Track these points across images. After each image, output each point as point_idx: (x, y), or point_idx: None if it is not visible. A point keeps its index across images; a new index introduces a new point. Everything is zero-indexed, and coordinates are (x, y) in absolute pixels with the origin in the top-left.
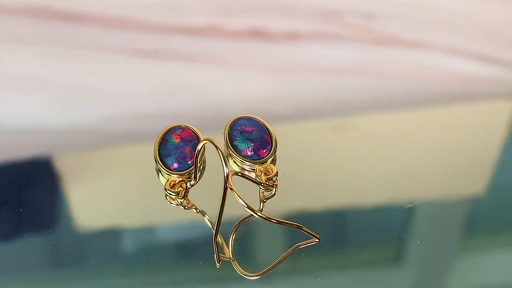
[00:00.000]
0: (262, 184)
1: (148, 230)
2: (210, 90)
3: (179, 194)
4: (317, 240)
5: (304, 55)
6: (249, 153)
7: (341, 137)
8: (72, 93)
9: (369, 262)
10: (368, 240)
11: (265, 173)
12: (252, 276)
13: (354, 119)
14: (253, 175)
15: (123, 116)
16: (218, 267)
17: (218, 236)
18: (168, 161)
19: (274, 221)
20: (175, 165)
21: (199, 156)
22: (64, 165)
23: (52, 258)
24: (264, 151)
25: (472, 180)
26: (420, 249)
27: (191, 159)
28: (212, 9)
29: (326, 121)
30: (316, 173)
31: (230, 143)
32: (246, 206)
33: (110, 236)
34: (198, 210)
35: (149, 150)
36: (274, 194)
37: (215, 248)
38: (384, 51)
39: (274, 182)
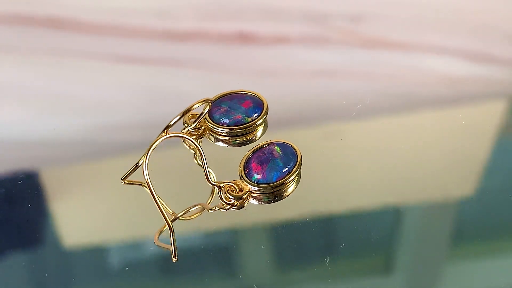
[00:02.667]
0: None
1: (136, 245)
2: (198, 95)
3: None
4: (173, 258)
5: (291, 59)
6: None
7: (329, 143)
8: (57, 103)
9: (359, 271)
10: (357, 248)
11: (232, 190)
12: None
13: (342, 124)
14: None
15: (111, 126)
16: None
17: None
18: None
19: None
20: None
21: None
22: (50, 179)
23: (37, 276)
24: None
25: (463, 184)
26: (410, 257)
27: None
28: (198, 14)
29: (314, 126)
30: (303, 179)
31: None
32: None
33: (98, 253)
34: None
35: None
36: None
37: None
38: (372, 53)
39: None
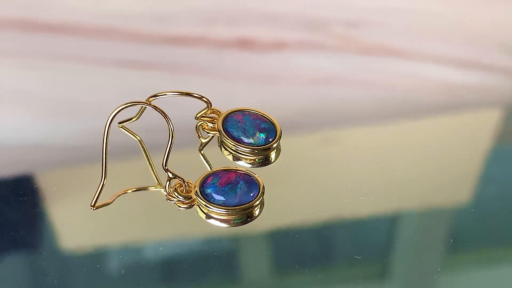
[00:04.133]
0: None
1: (134, 249)
2: (195, 100)
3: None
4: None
5: (289, 65)
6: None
7: (326, 149)
8: (56, 107)
9: (355, 278)
10: (353, 255)
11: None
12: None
13: (339, 130)
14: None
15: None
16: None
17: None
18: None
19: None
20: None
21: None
22: (48, 183)
23: (33, 282)
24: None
25: (459, 191)
26: (405, 264)
27: None
28: (197, 19)
29: (312, 132)
30: (299, 185)
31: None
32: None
33: (95, 257)
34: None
35: (135, 166)
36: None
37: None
38: (369, 60)
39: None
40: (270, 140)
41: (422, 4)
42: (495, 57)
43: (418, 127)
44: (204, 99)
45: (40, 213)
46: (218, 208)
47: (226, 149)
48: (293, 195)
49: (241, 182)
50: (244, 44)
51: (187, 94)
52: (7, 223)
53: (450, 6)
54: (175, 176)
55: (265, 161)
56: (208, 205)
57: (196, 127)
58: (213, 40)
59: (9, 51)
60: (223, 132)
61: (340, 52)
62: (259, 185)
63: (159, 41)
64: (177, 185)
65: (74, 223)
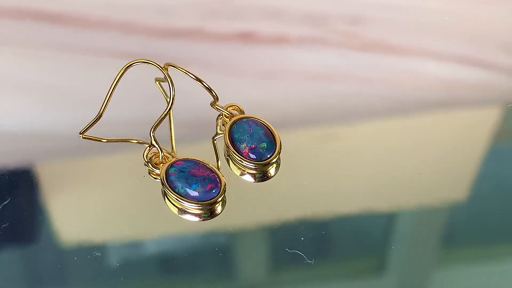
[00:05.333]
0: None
1: (134, 243)
2: (194, 94)
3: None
4: None
5: (290, 60)
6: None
7: (325, 145)
8: (54, 97)
9: (351, 273)
10: (349, 250)
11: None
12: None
13: (339, 127)
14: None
15: (109, 122)
16: None
17: None
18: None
19: None
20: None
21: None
22: (45, 173)
23: (31, 274)
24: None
25: (456, 188)
26: (401, 260)
27: None
28: (198, 12)
29: (310, 129)
30: (298, 181)
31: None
32: None
33: (94, 250)
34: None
35: (134, 158)
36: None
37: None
38: (370, 57)
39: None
40: (268, 156)
41: (424, 2)
42: (494, 55)
43: (417, 124)
44: (213, 92)
45: (37, 203)
46: (174, 194)
47: (234, 164)
48: (292, 191)
49: (206, 179)
50: (244, 38)
51: (199, 80)
52: (5, 214)
53: (451, 4)
54: (155, 145)
55: (264, 176)
56: (168, 190)
57: (217, 117)
58: (213, 34)
59: (9, 40)
60: (230, 147)
61: (341, 48)
62: (220, 185)
63: (158, 33)
64: (154, 154)
65: (72, 215)
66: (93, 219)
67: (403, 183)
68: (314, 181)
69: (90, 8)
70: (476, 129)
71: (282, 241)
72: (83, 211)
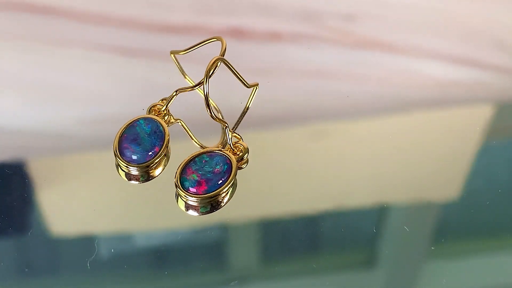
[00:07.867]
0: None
1: (122, 237)
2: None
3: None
4: None
5: (283, 57)
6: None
7: (317, 142)
8: (49, 93)
9: (341, 266)
10: (339, 244)
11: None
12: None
13: (330, 124)
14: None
15: (103, 119)
16: None
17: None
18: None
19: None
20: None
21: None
22: (36, 169)
23: (22, 267)
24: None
25: (448, 185)
26: (392, 253)
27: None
28: (192, 8)
29: (303, 126)
30: (290, 178)
31: None
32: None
33: (84, 244)
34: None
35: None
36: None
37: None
38: (363, 54)
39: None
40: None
41: (418, 0)
42: (489, 54)
43: (410, 122)
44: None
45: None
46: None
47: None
48: (284, 187)
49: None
50: (237, 34)
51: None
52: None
53: (445, 2)
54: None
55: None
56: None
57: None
58: (206, 30)
59: (4, 33)
60: None
61: (334, 45)
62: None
63: (152, 29)
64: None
65: (65, 211)
66: (85, 213)
67: (397, 180)
68: (305, 177)
69: (86, 2)
70: (469, 127)
71: (275, 234)
72: (75, 206)
